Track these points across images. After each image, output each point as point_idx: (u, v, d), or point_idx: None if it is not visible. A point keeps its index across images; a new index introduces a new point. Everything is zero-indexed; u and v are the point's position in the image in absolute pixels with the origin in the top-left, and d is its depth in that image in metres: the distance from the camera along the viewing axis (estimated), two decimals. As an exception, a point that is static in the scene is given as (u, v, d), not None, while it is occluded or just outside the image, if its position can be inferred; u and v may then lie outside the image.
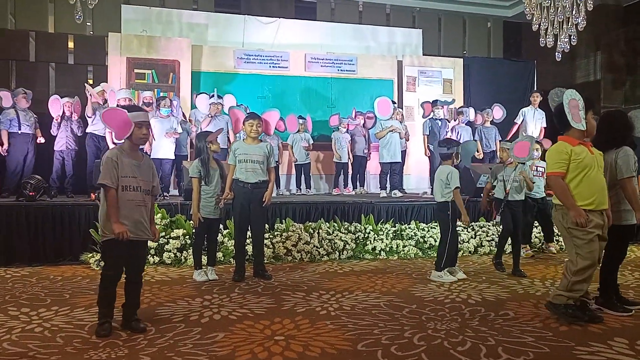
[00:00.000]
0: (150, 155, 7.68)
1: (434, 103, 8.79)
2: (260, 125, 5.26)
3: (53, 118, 7.62)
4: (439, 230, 5.61)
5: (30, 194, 6.28)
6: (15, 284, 4.94)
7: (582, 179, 3.66)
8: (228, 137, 8.03)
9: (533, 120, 9.01)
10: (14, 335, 3.44)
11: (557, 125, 3.91)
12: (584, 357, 3.08)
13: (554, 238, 6.83)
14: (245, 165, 5.14)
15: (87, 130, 7.56)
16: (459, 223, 5.36)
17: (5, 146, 7.40)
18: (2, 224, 5.89)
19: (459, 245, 6.79)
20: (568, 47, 7.88)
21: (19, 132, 7.33)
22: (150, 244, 5.72)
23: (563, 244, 3.98)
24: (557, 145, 3.78)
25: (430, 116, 8.75)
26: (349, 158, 9.01)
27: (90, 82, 9.43)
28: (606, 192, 3.74)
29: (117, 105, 6.54)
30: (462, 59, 11.12)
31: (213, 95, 8.22)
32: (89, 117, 7.54)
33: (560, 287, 3.76)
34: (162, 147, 7.64)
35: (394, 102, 8.90)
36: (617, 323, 3.74)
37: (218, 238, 5.68)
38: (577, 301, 3.73)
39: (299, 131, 8.85)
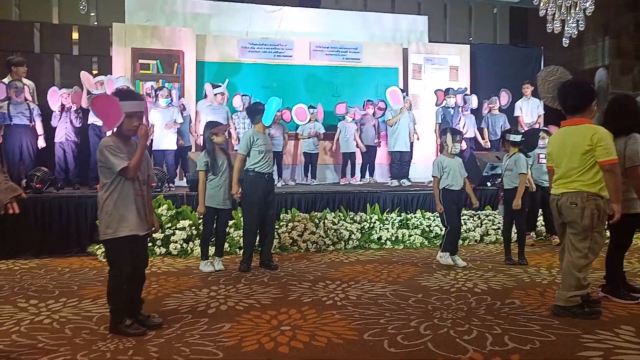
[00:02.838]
0: (152, 147, 7.71)
1: (447, 91, 8.73)
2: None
3: (53, 110, 7.62)
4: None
5: (37, 186, 6.31)
6: (24, 276, 4.98)
7: None
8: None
9: (529, 111, 8.95)
10: (22, 327, 3.47)
11: (563, 106, 3.70)
12: (591, 345, 3.08)
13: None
14: (266, 156, 5.18)
15: (89, 122, 7.51)
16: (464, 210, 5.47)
17: None
18: (10, 217, 5.88)
19: (466, 234, 6.82)
20: (576, 33, 7.79)
21: (11, 123, 7.26)
22: (156, 235, 5.75)
23: (571, 235, 3.64)
24: (603, 129, 3.52)
25: (443, 104, 8.70)
26: (357, 147, 8.96)
27: (95, 72, 9.41)
28: None
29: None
30: (468, 46, 11.00)
31: (220, 85, 8.19)
32: (86, 107, 7.50)
33: (570, 288, 3.59)
34: (164, 139, 7.64)
35: (403, 91, 8.84)
36: (624, 311, 3.73)
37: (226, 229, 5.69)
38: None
39: (310, 120, 8.80)
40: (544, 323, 3.48)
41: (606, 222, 3.63)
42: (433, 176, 5.50)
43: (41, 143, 7.51)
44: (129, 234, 3.27)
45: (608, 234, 3.97)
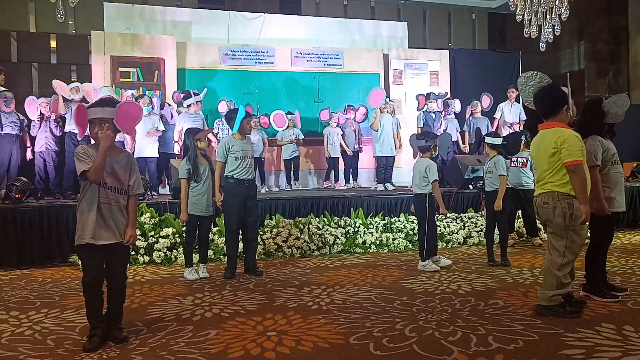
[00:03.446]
0: (133, 155, 7.64)
1: (428, 96, 8.81)
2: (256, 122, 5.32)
3: (32, 120, 7.53)
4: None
5: (17, 196, 6.22)
6: (4, 288, 4.89)
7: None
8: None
9: (511, 115, 9.08)
10: (3, 339, 3.41)
11: (539, 110, 3.77)
12: (572, 343, 3.12)
13: (537, 232, 6.81)
14: (243, 163, 5.16)
15: (66, 130, 7.43)
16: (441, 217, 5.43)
17: None
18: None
19: (449, 237, 6.88)
20: (552, 38, 7.95)
21: (2, 132, 7.21)
22: (139, 243, 5.71)
23: (545, 234, 3.78)
24: (570, 132, 3.58)
25: (425, 109, 8.77)
26: (341, 152, 8.99)
27: (73, 80, 9.31)
28: None
29: None
30: (448, 51, 11.16)
31: (198, 94, 8.15)
32: (62, 115, 7.43)
33: (551, 287, 3.64)
34: (146, 146, 7.58)
35: (387, 96, 8.90)
36: (605, 309, 3.79)
37: (209, 236, 5.67)
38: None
39: (288, 127, 8.81)
40: (526, 323, 3.52)
41: (585, 229, 3.68)
42: (435, 180, 5.32)
43: (29, 155, 7.47)
44: (85, 242, 3.17)
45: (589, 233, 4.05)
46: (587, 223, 3.64)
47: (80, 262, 3.38)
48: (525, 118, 9.06)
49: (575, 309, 3.67)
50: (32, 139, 7.56)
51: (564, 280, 3.64)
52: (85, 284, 3.23)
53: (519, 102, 9.08)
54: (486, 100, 9.26)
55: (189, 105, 7.96)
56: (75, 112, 3.40)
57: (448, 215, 6.82)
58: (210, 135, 8.02)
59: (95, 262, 3.22)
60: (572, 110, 3.72)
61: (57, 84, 7.40)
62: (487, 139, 5.76)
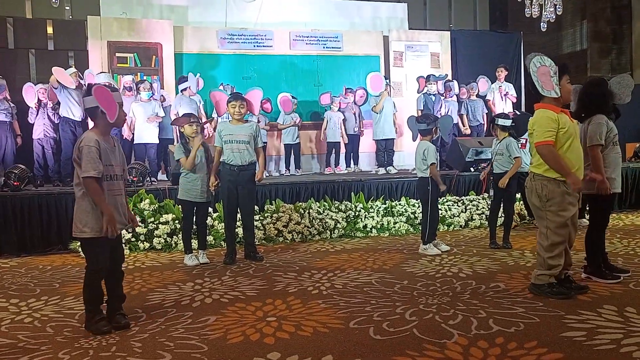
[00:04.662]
0: (133, 141, 7.60)
1: (428, 78, 8.72)
2: (244, 106, 5.18)
3: (29, 106, 7.47)
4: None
5: (15, 184, 6.19)
6: (4, 275, 4.89)
7: (568, 149, 3.58)
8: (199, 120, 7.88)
9: (501, 95, 9.00)
10: (3, 327, 3.41)
11: (533, 90, 3.75)
12: (574, 325, 3.10)
13: None
14: (232, 146, 5.08)
15: (61, 115, 7.33)
16: (449, 196, 5.39)
17: None
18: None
19: (450, 220, 6.86)
20: (553, 17, 7.84)
21: None
22: (139, 230, 5.70)
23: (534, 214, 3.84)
24: (544, 113, 3.60)
25: (425, 91, 8.69)
26: (342, 136, 8.93)
27: (72, 66, 9.22)
28: (583, 162, 3.73)
29: None
30: (448, 32, 11.01)
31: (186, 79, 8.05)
32: (58, 102, 7.35)
33: (539, 267, 3.74)
34: (146, 132, 7.53)
35: (386, 78, 8.81)
36: (606, 291, 3.77)
37: (208, 221, 5.65)
38: (561, 275, 3.73)
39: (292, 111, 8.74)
40: (527, 305, 3.50)
41: (570, 208, 3.61)
42: (432, 163, 5.29)
43: (19, 141, 7.42)
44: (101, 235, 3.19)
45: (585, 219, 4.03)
46: (576, 209, 3.64)
47: (87, 253, 3.31)
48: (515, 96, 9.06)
49: (563, 289, 3.66)
50: (30, 126, 7.51)
51: (551, 262, 3.64)
52: (96, 273, 3.24)
53: (508, 81, 9.10)
54: (484, 84, 9.18)
55: (183, 90, 7.89)
56: (99, 93, 3.25)
57: (450, 197, 6.81)
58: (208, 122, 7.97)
59: (107, 251, 3.26)
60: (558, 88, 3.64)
61: (58, 72, 7.29)
62: (500, 121, 5.68)
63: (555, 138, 3.55)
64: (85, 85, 7.18)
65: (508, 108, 8.84)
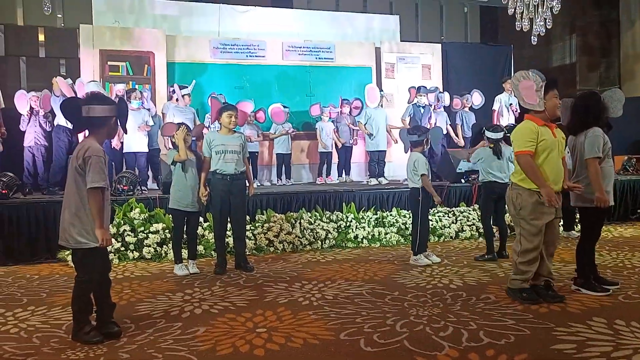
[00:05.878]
0: (123, 150, 7.56)
1: (419, 90, 8.76)
2: (237, 117, 5.21)
3: (21, 114, 7.41)
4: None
5: (3, 191, 6.12)
6: (-10, 285, 4.83)
7: (544, 160, 3.71)
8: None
9: (508, 106, 9.05)
10: (-12, 338, 3.36)
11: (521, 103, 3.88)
12: (564, 337, 3.11)
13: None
14: (224, 157, 5.07)
15: (56, 123, 7.27)
16: (439, 207, 5.41)
17: None
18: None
19: (441, 231, 6.87)
20: (544, 31, 7.92)
21: None
22: (128, 239, 5.66)
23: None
24: (526, 124, 3.77)
25: (414, 102, 8.73)
26: (334, 146, 8.93)
27: (63, 74, 9.19)
28: (562, 175, 3.79)
29: None
30: (440, 45, 11.11)
31: (187, 87, 8.05)
32: (51, 110, 7.29)
33: (513, 271, 3.90)
34: (135, 141, 7.49)
35: (381, 91, 8.85)
36: (596, 303, 3.79)
37: (198, 231, 5.61)
38: (541, 282, 3.84)
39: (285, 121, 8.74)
40: (518, 317, 3.51)
41: (542, 220, 3.71)
42: (423, 174, 5.31)
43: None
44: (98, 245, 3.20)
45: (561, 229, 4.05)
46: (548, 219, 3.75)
47: (84, 263, 3.25)
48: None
49: (533, 296, 3.79)
50: (22, 134, 7.44)
51: (522, 267, 3.79)
52: (90, 283, 3.24)
53: (499, 94, 9.14)
54: (477, 98, 9.24)
55: (177, 99, 7.88)
56: (123, 106, 3.42)
57: (440, 209, 6.83)
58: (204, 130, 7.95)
59: (102, 261, 3.30)
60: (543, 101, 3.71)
61: (61, 82, 7.23)
62: (487, 133, 5.71)
63: (534, 149, 3.68)
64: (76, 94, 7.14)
65: (512, 120, 8.89)
